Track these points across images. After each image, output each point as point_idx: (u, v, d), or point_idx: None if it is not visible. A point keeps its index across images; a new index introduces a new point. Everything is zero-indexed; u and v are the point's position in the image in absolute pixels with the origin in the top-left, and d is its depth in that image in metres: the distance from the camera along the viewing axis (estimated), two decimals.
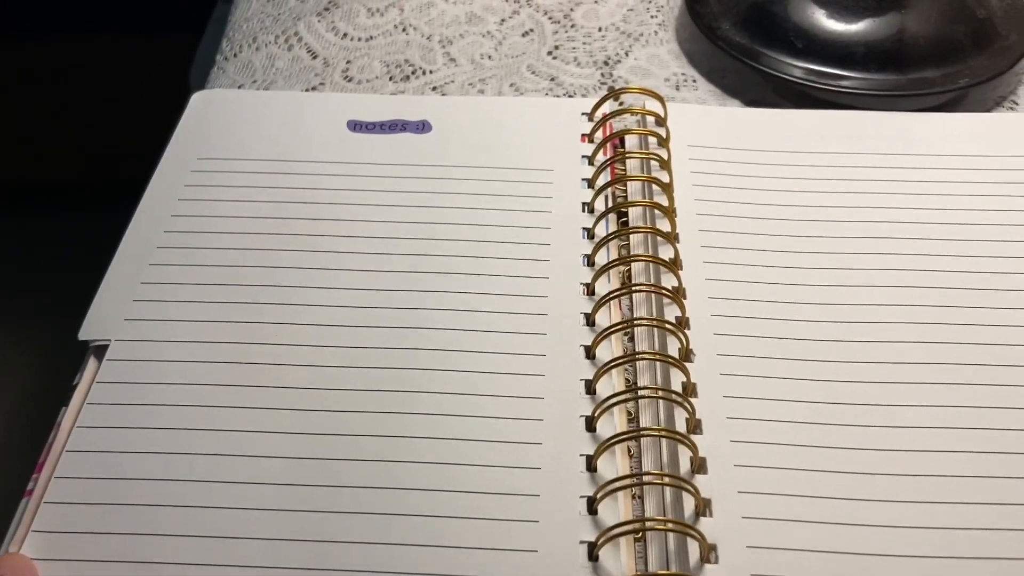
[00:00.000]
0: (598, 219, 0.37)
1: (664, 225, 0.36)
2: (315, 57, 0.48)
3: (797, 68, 0.43)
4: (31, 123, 1.05)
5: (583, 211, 0.37)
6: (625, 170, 0.39)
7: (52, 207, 1.11)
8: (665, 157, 0.39)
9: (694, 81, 0.46)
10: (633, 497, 0.30)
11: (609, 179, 0.38)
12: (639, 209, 0.37)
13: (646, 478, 0.29)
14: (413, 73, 0.47)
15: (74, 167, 1.09)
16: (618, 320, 0.33)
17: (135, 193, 0.39)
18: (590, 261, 0.36)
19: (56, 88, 1.03)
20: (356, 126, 0.41)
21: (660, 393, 0.31)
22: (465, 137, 0.41)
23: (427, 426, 0.31)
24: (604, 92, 0.45)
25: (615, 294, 0.34)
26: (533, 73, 0.47)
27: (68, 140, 1.06)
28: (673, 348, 0.32)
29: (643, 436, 0.30)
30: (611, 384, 0.32)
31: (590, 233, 0.37)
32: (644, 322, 0.33)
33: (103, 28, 1.01)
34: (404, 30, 0.49)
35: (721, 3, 0.47)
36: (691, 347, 0.33)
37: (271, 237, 0.36)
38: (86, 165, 1.08)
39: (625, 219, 0.38)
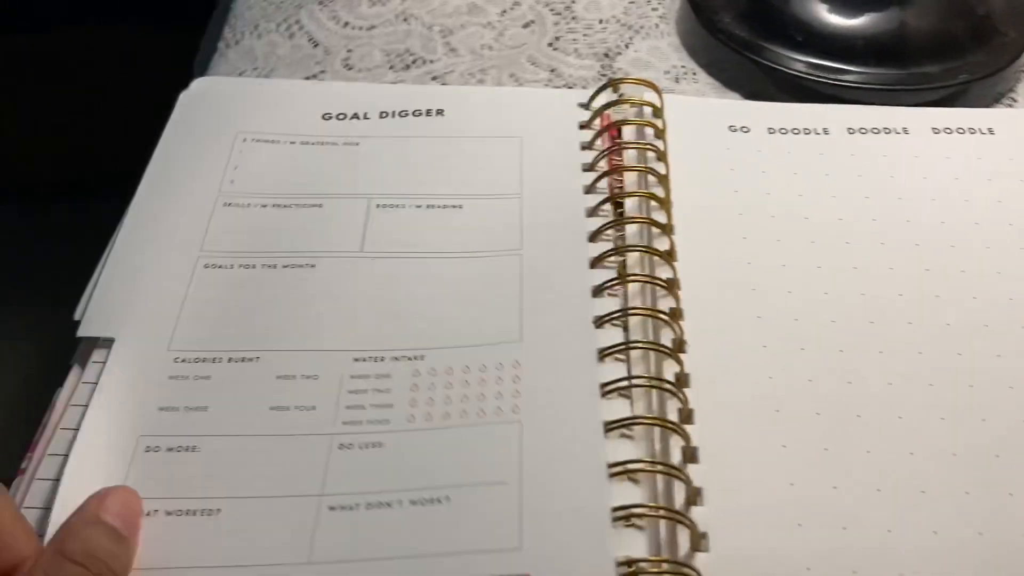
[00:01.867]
0: (594, 208, 0.37)
1: (660, 216, 0.36)
2: (316, 45, 0.48)
3: (797, 62, 0.43)
4: (32, 116, 1.05)
5: (583, 193, 0.38)
6: (622, 160, 0.39)
7: (49, 199, 1.11)
8: (661, 148, 0.39)
9: (694, 74, 0.46)
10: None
11: (607, 168, 0.38)
12: (635, 200, 0.37)
13: (639, 465, 0.29)
14: (414, 62, 0.47)
15: (74, 160, 1.09)
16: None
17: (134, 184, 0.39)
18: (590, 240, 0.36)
19: (56, 81, 1.03)
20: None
21: (653, 382, 0.31)
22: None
23: None
24: (604, 82, 0.45)
25: (610, 283, 0.34)
26: (533, 64, 0.47)
27: (69, 133, 1.06)
28: (667, 339, 0.33)
29: (636, 424, 0.30)
30: (605, 373, 0.32)
31: (592, 227, 0.37)
32: (640, 312, 0.33)
33: (106, 20, 1.01)
34: (405, 19, 0.49)
35: None
36: (685, 338, 0.33)
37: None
38: (86, 157, 1.08)
39: (622, 209, 0.38)
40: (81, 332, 0.33)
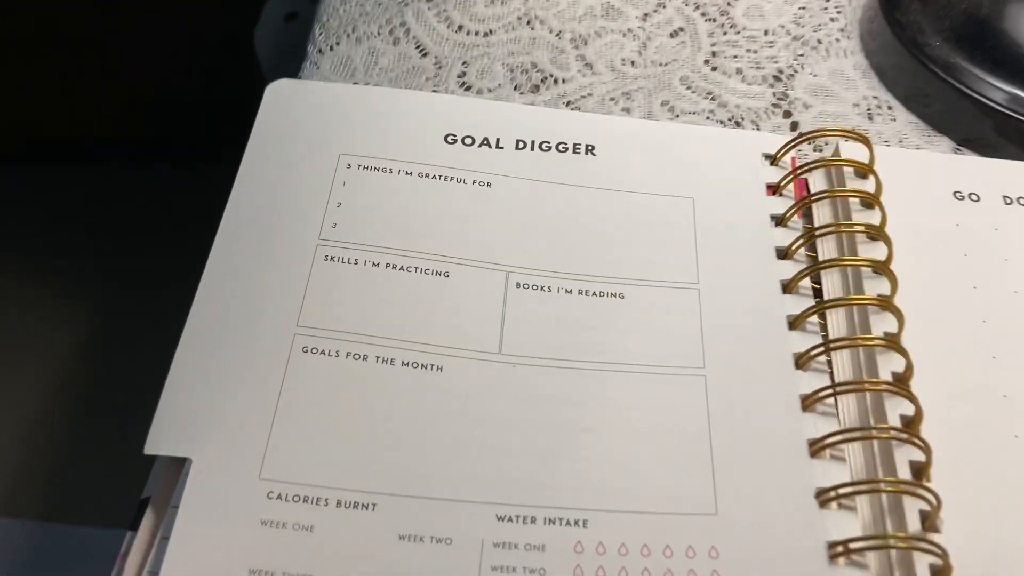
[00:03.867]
0: (799, 319, 0.29)
1: (885, 324, 0.28)
2: (425, 54, 0.39)
3: None
4: (84, 77, 0.98)
5: (780, 292, 0.30)
6: (836, 249, 0.31)
7: (95, 158, 1.05)
8: (877, 223, 0.30)
9: (889, 108, 0.38)
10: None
11: (809, 262, 0.30)
12: (855, 313, 0.29)
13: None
14: (543, 81, 0.39)
15: (128, 121, 1.03)
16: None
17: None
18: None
19: (110, 42, 0.96)
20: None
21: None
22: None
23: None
24: (779, 117, 0.37)
25: (830, 441, 0.26)
26: (688, 88, 0.38)
27: (121, 94, 0.99)
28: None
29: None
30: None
31: (790, 322, 0.29)
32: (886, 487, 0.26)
33: None
34: (529, 23, 0.41)
35: (927, 10, 0.38)
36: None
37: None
38: (139, 119, 1.02)
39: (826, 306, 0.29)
40: (149, 449, 0.26)
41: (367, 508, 0.25)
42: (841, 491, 0.25)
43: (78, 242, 1.03)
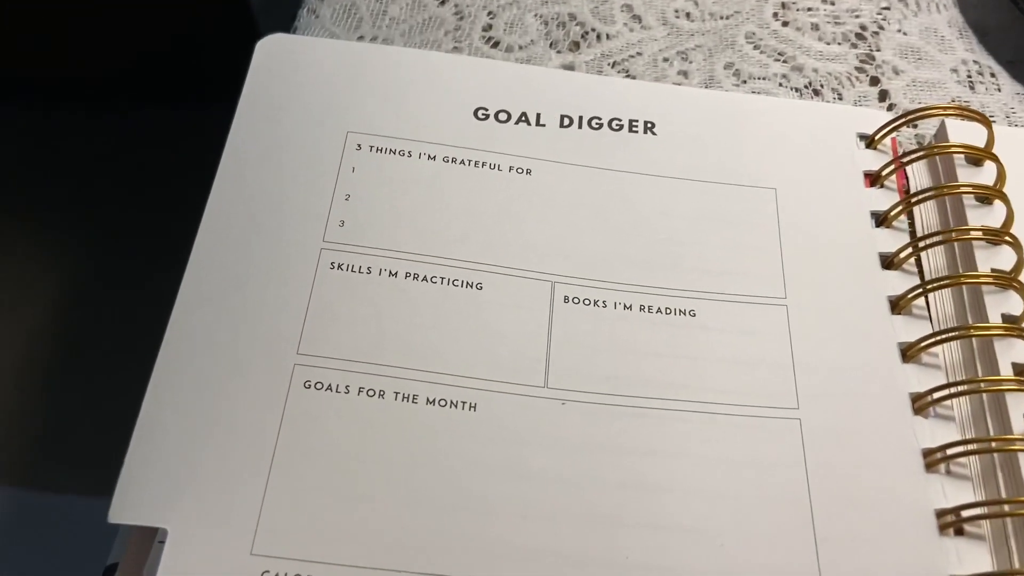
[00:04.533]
0: (914, 348, 0.24)
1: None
2: (443, 2, 0.33)
3: None
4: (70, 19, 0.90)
5: (889, 312, 0.24)
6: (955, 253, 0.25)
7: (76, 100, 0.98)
8: (1000, 224, 0.25)
9: (993, 76, 0.32)
10: None
11: (918, 273, 0.25)
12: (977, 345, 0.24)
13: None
14: (584, 37, 0.33)
15: (112, 60, 0.95)
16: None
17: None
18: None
19: None
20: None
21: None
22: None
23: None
24: (865, 84, 0.31)
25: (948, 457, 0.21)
26: (756, 48, 0.32)
27: (109, 36, 0.91)
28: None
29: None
30: None
31: (903, 351, 0.24)
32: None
33: None
34: None
35: None
36: None
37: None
38: (122, 58, 0.94)
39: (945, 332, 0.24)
40: (114, 517, 0.21)
41: None
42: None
43: (62, 189, 0.97)
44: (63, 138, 0.99)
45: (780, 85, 0.31)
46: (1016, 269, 0.24)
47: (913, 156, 0.26)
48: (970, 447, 0.22)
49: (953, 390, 0.22)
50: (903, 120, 0.27)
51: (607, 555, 0.21)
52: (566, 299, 0.24)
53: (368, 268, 0.24)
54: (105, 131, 0.98)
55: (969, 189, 0.25)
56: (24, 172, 0.97)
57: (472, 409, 0.23)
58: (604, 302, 0.24)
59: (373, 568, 0.20)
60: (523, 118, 0.28)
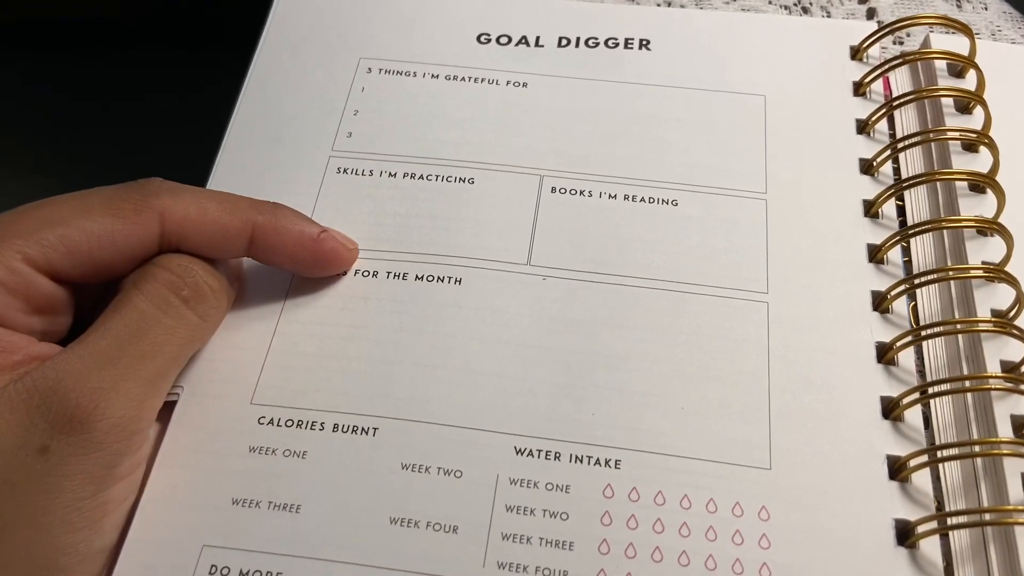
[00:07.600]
0: (882, 245, 0.24)
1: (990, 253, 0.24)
2: None
3: None
4: None
5: (862, 214, 0.25)
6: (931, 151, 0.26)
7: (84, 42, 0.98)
8: (979, 128, 0.26)
9: None
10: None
11: (894, 177, 0.26)
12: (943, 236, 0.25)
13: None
14: None
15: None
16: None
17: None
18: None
19: None
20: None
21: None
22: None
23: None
24: (853, 2, 0.32)
25: (920, 334, 0.22)
26: None
27: None
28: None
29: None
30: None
31: (873, 253, 0.25)
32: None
33: None
34: None
35: None
36: None
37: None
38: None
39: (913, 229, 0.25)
40: None
41: (367, 433, 0.22)
42: (912, 462, 0.21)
43: (74, 132, 0.97)
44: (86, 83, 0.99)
45: (770, 2, 0.32)
46: (992, 171, 0.25)
47: (896, 62, 0.27)
48: (910, 338, 0.23)
49: (913, 284, 0.23)
50: (889, 29, 0.27)
51: (574, 413, 0.22)
52: (553, 189, 0.25)
53: (370, 171, 0.26)
54: (129, 73, 0.98)
55: (947, 92, 0.26)
56: (43, 120, 0.98)
57: (458, 283, 0.24)
58: (590, 192, 0.25)
59: (355, 414, 0.22)
60: (523, 40, 0.29)
